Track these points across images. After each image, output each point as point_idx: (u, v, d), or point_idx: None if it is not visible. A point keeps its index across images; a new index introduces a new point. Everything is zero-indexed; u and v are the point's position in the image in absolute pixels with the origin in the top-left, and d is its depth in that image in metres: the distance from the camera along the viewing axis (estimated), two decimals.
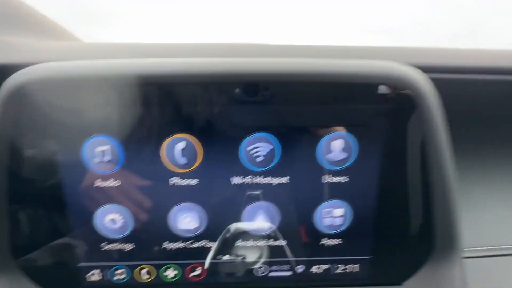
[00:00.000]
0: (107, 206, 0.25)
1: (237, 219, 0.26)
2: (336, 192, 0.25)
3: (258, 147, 0.24)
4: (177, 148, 0.24)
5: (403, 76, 0.22)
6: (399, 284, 0.27)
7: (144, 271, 0.27)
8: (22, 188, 0.24)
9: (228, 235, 0.26)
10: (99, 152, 0.24)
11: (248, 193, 0.25)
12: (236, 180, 0.25)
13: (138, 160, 0.24)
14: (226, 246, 0.27)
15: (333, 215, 0.26)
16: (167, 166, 0.24)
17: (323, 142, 0.24)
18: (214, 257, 0.27)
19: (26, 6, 0.34)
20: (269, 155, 0.24)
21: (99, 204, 0.25)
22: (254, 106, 0.23)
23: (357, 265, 0.27)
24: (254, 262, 0.27)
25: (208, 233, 0.26)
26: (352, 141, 0.24)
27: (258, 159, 0.24)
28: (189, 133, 0.24)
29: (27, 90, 0.22)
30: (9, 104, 0.22)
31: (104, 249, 0.26)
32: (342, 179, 0.25)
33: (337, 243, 0.27)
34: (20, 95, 0.22)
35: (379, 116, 0.24)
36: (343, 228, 0.26)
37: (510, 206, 0.34)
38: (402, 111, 0.23)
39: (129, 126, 0.24)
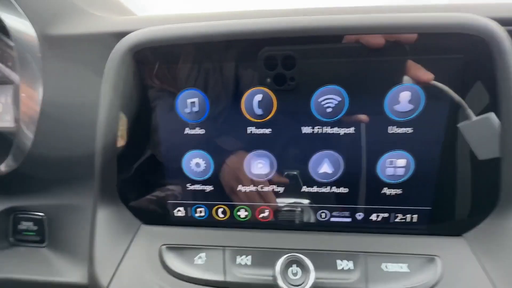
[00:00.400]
0: (194, 152, 0.30)
1: (305, 167, 0.29)
2: (400, 142, 0.27)
3: (329, 98, 0.26)
4: (255, 100, 0.27)
5: (481, 25, 0.23)
6: (458, 235, 0.29)
7: (220, 210, 0.31)
8: (127, 136, 0.30)
9: (294, 181, 0.29)
10: (190, 103, 0.28)
11: (316, 142, 0.28)
12: (306, 129, 0.28)
13: (221, 111, 0.28)
14: (293, 191, 0.30)
15: (395, 165, 0.28)
16: (246, 116, 0.28)
17: (391, 93, 0.26)
18: (280, 201, 0.30)
19: None
20: (339, 106, 0.27)
21: (187, 149, 0.30)
22: (326, 59, 0.26)
23: (416, 215, 0.29)
24: (317, 208, 0.30)
25: (277, 179, 0.29)
26: (420, 93, 0.26)
27: (328, 110, 0.27)
28: (265, 87, 0.27)
29: (137, 51, 0.27)
30: (123, 61, 0.27)
31: (188, 189, 0.31)
32: (407, 130, 0.27)
33: (397, 192, 0.28)
34: (131, 54, 0.27)
35: (450, 67, 0.25)
36: (404, 178, 0.28)
37: None
38: (477, 61, 0.24)
39: (215, 81, 0.28)
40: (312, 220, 0.30)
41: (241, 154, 0.29)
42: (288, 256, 0.27)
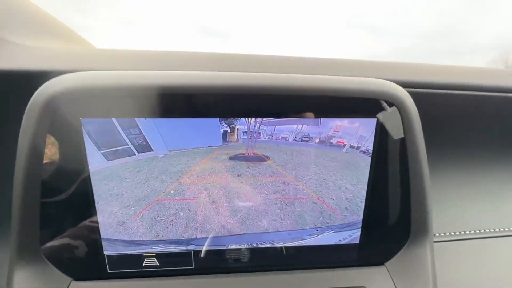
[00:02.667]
0: None
1: None
2: None
3: None
4: None
5: (391, 92, 0.27)
6: (382, 264, 0.33)
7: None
8: (52, 189, 0.27)
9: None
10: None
11: None
12: None
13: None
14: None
15: None
16: None
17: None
18: None
19: (41, 10, 0.36)
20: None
21: None
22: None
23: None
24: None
25: None
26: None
27: None
28: None
29: (58, 100, 0.25)
30: (43, 112, 0.25)
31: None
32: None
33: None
34: (53, 104, 0.25)
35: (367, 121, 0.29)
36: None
37: (471, 200, 0.41)
38: (388, 120, 0.28)
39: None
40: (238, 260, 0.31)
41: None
42: None
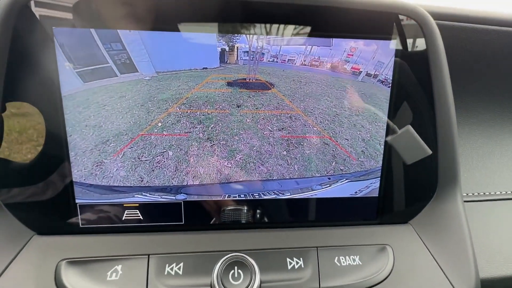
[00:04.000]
0: None
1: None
2: None
3: None
4: None
5: (411, 7, 0.24)
6: (405, 222, 0.28)
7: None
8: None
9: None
10: None
11: None
12: None
13: None
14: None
15: None
16: None
17: None
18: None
19: None
20: None
21: None
22: None
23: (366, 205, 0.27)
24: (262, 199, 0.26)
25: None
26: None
27: None
28: None
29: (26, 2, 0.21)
30: (6, 15, 0.21)
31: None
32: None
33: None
34: (18, 5, 0.21)
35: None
36: None
37: (503, 157, 0.36)
38: (410, 43, 0.25)
39: None
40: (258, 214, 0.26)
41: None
42: (227, 258, 0.22)
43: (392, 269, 0.24)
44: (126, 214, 0.25)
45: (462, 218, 0.26)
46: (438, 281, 0.24)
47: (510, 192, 0.34)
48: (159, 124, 0.24)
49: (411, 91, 0.26)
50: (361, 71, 0.25)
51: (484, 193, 0.33)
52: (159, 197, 0.25)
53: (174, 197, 0.25)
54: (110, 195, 0.25)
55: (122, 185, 0.24)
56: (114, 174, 0.24)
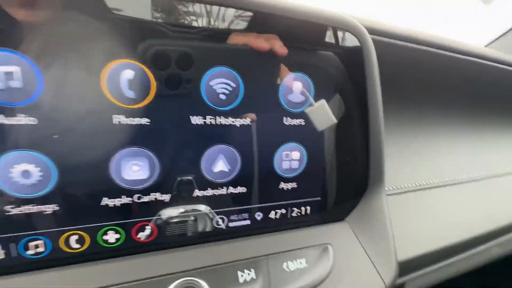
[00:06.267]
0: (15, 153, 0.19)
1: (196, 166, 0.23)
2: (295, 134, 0.26)
3: (222, 83, 0.22)
4: (122, 77, 0.20)
5: (355, 24, 0.25)
6: (342, 219, 0.31)
7: (73, 238, 0.21)
8: None
9: (184, 185, 0.24)
10: (3, 74, 0.17)
11: (209, 135, 0.23)
12: (196, 120, 0.22)
13: (64, 89, 0.19)
14: (183, 198, 0.24)
15: (291, 158, 0.27)
16: (109, 99, 0.20)
17: (284, 83, 0.25)
18: (167, 212, 0.24)
19: None
20: (233, 94, 0.23)
21: (4, 150, 0.18)
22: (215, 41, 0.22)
23: (309, 207, 0.29)
24: (213, 214, 0.25)
25: (161, 184, 0.23)
26: (310, 83, 0.26)
27: (222, 97, 0.23)
28: (138, 60, 0.20)
29: None
30: None
31: (11, 213, 0.19)
32: (300, 121, 0.26)
33: (293, 186, 0.28)
34: None
35: (331, 60, 0.26)
36: (298, 171, 0.27)
37: (414, 155, 0.43)
38: (350, 55, 0.26)
39: (51, 43, 0.18)
40: (208, 228, 0.25)
41: (105, 154, 0.21)
42: (177, 284, 0.21)
43: (332, 267, 0.26)
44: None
45: (385, 211, 0.30)
46: (367, 271, 0.27)
47: (416, 184, 0.41)
48: None
49: (347, 100, 0.28)
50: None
51: (398, 187, 0.39)
52: None
53: None
54: None
55: None
56: None
